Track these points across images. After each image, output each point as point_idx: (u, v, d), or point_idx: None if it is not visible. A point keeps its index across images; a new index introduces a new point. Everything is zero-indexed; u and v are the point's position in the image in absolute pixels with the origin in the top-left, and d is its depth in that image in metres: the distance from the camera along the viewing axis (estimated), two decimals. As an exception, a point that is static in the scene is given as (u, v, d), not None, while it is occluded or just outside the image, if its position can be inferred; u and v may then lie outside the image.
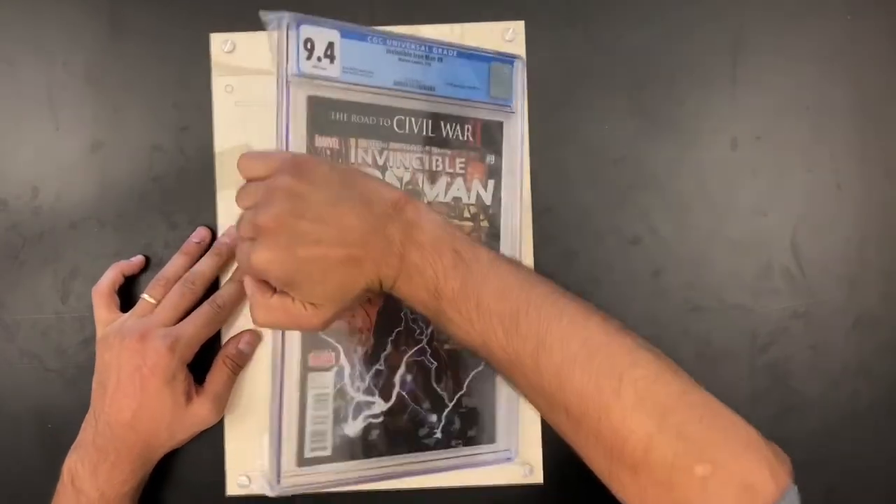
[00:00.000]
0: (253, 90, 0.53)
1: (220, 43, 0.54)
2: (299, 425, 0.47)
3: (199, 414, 0.49)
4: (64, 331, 0.54)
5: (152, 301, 0.50)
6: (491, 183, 0.51)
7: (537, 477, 0.54)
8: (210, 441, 0.53)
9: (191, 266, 0.51)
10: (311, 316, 0.40)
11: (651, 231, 0.55)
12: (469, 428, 0.51)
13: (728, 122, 0.55)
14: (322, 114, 0.47)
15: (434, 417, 0.50)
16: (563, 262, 0.55)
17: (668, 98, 0.55)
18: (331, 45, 0.46)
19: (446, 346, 0.50)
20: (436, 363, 0.50)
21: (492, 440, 0.52)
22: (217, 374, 0.50)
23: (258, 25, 0.52)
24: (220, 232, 0.53)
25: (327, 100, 0.47)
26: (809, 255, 0.55)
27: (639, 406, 0.35)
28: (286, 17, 0.45)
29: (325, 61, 0.46)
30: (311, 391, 0.47)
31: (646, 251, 0.55)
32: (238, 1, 0.54)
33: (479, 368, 0.51)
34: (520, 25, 0.54)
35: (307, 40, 0.46)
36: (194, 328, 0.48)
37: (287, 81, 0.46)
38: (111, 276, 0.52)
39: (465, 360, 0.51)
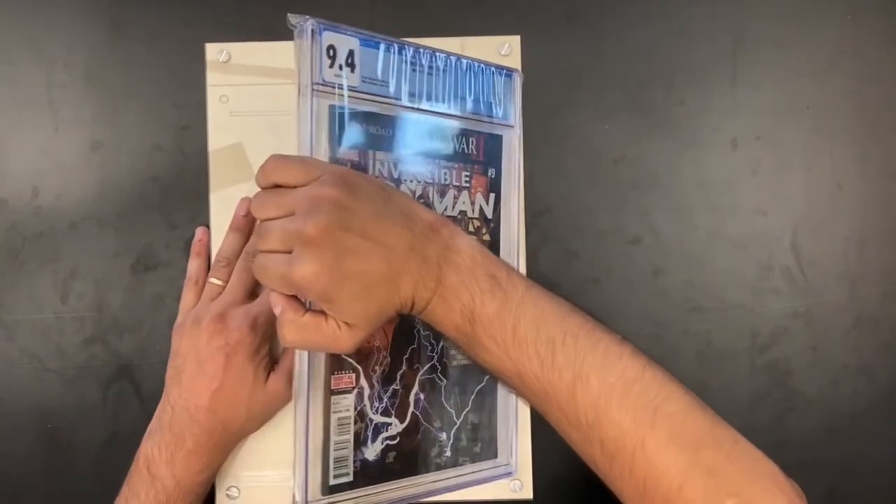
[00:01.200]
0: (248, 100, 0.53)
1: (214, 52, 0.54)
2: (324, 452, 0.45)
3: (276, 391, 0.49)
4: (64, 331, 0.54)
5: (219, 283, 0.50)
6: (492, 196, 0.51)
7: (527, 492, 0.53)
8: None
9: (245, 241, 0.51)
10: (344, 336, 0.38)
11: (651, 231, 0.55)
12: (474, 444, 0.51)
13: (728, 122, 0.55)
14: (342, 124, 0.45)
15: (444, 436, 0.49)
16: (563, 262, 0.55)
17: (668, 98, 0.55)
18: (351, 53, 0.44)
19: (454, 363, 0.50)
20: (445, 380, 0.49)
21: (493, 455, 0.51)
22: (291, 350, 0.50)
23: (253, 35, 0.53)
24: (213, 231, 0.53)
25: (349, 110, 0.45)
26: (809, 255, 0.55)
27: (673, 441, 0.35)
28: (311, 22, 0.43)
29: (347, 70, 0.44)
30: (335, 415, 0.45)
31: (646, 251, 0.55)
32: (233, 9, 0.55)
33: (482, 384, 0.51)
34: (515, 40, 0.54)
35: (330, 47, 0.44)
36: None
37: (312, 89, 0.43)
38: (199, 263, 0.52)
39: (471, 376, 0.50)
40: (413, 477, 0.48)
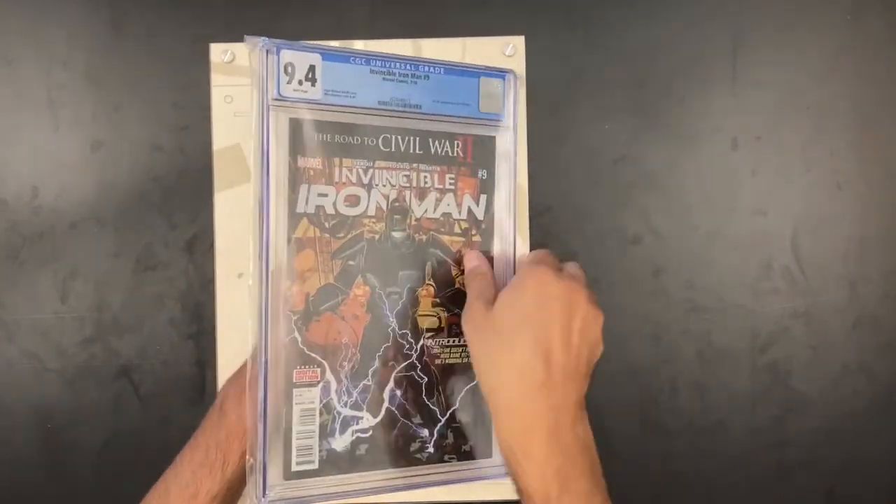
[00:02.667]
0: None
1: (219, 53, 0.54)
2: (285, 440, 0.47)
3: None
4: (64, 331, 0.54)
5: None
6: (483, 198, 0.51)
7: None
8: None
9: None
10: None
11: (651, 231, 0.55)
12: (463, 443, 0.51)
13: (728, 122, 0.55)
14: (304, 135, 0.48)
15: (425, 432, 0.50)
16: (562, 262, 0.55)
17: (668, 98, 0.55)
18: (312, 69, 0.48)
19: (437, 362, 0.50)
20: (426, 378, 0.50)
21: (487, 455, 0.51)
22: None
23: (241, 40, 0.53)
24: (216, 232, 0.53)
25: (310, 121, 0.48)
26: (809, 255, 0.55)
27: None
28: (265, 42, 0.46)
29: (307, 84, 0.48)
30: (297, 406, 0.48)
31: (646, 251, 0.55)
32: (238, 10, 0.55)
33: (473, 383, 0.50)
34: (520, 41, 0.54)
35: (287, 64, 0.47)
36: None
37: (267, 105, 0.47)
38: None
39: (459, 375, 0.51)
40: (387, 470, 0.49)
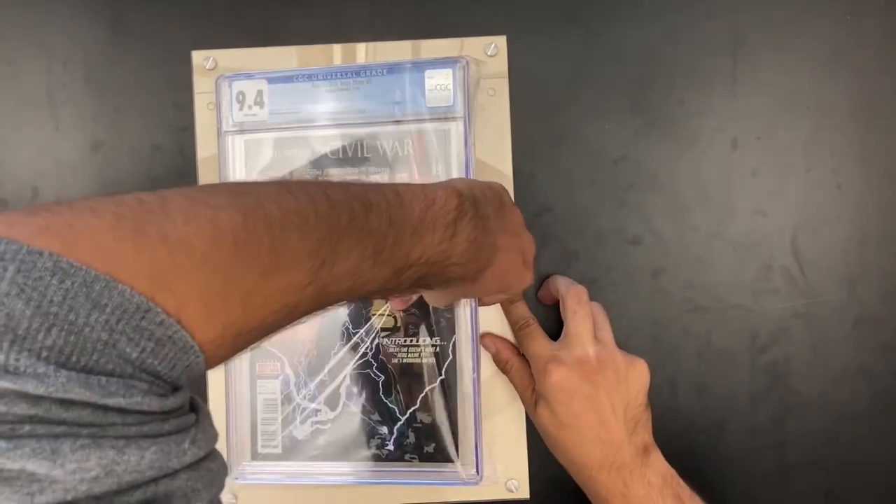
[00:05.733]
0: None
1: (201, 59, 0.54)
2: (251, 424, 0.52)
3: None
4: (64, 331, 0.54)
5: None
6: None
7: (524, 492, 0.53)
8: None
9: None
10: None
11: (651, 231, 0.55)
12: (426, 444, 0.51)
13: (728, 122, 0.55)
14: (259, 154, 0.52)
15: (385, 430, 0.51)
16: (563, 262, 0.55)
17: (668, 98, 0.55)
18: (260, 93, 0.51)
19: (394, 361, 0.51)
20: (383, 376, 0.52)
21: (450, 459, 0.51)
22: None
23: (253, 38, 0.54)
24: None
25: (261, 141, 0.52)
26: (809, 255, 0.55)
27: None
28: (220, 76, 0.51)
29: (256, 108, 0.52)
30: (260, 396, 0.52)
31: (646, 251, 0.55)
32: (238, 12, 0.54)
33: (434, 385, 0.51)
34: (501, 40, 0.54)
35: (239, 93, 0.52)
36: None
37: (225, 132, 0.52)
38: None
39: (418, 376, 0.51)
40: (347, 462, 0.52)
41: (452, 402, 0.51)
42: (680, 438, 0.54)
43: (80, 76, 0.55)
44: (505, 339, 0.53)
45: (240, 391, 0.52)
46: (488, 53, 0.54)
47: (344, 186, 0.33)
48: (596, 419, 0.46)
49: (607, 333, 0.50)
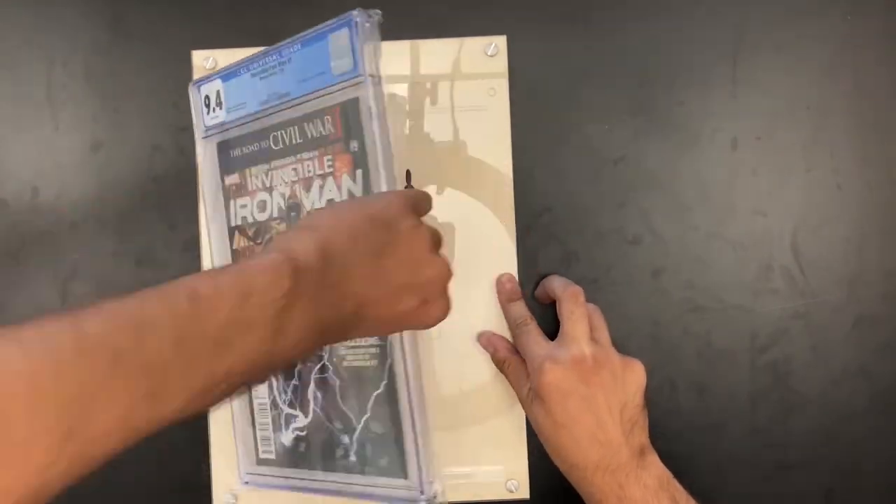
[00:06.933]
0: None
1: (201, 59, 0.54)
2: (252, 429, 0.51)
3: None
4: (64, 331, 0.54)
5: None
6: (359, 173, 0.44)
7: (523, 492, 0.53)
8: (196, 458, 0.53)
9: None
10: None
11: (651, 231, 0.55)
12: (381, 456, 0.46)
13: (728, 122, 0.55)
14: (226, 155, 0.51)
15: (346, 439, 0.47)
16: (563, 262, 0.55)
17: (668, 98, 0.55)
18: (218, 94, 0.50)
19: (344, 364, 0.47)
20: (339, 381, 0.47)
21: (402, 475, 0.45)
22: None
23: (253, 38, 0.53)
24: (202, 241, 0.52)
25: (225, 142, 0.51)
26: (809, 255, 0.55)
27: None
28: (192, 84, 0.51)
29: (218, 109, 0.50)
30: (256, 401, 0.51)
31: (646, 251, 0.55)
32: (238, 11, 0.54)
33: (379, 390, 0.45)
34: (501, 40, 0.54)
35: (206, 97, 0.50)
36: None
37: (201, 140, 0.51)
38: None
39: (366, 380, 0.46)
40: (321, 472, 0.49)
41: (395, 410, 0.45)
42: (680, 438, 0.54)
43: (80, 76, 0.55)
44: (503, 338, 0.53)
45: (241, 397, 0.51)
46: (488, 53, 0.54)
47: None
48: (592, 420, 0.46)
49: (604, 334, 0.50)
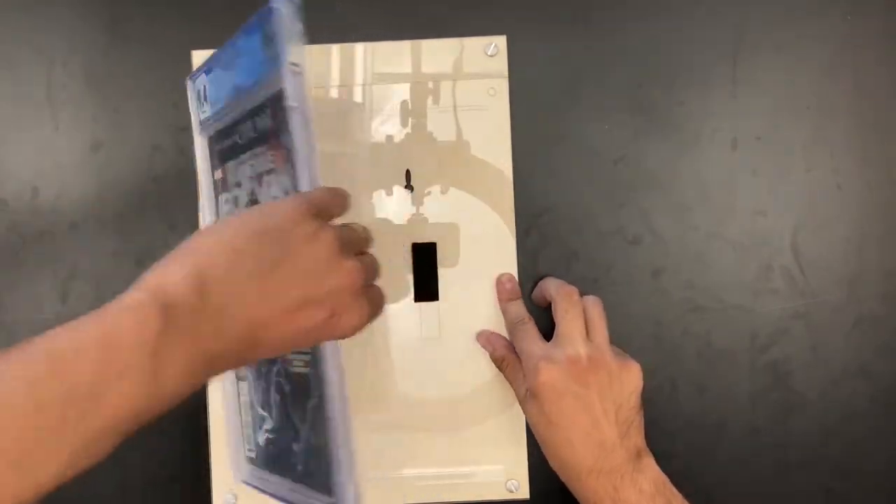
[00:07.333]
0: None
1: (201, 60, 0.53)
2: (242, 430, 0.50)
3: None
4: (64, 331, 0.54)
5: None
6: (289, 167, 0.40)
7: (524, 492, 0.53)
8: (195, 458, 0.53)
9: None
10: None
11: (651, 231, 0.55)
12: (316, 469, 0.42)
13: (728, 122, 0.55)
14: (213, 151, 0.49)
15: (296, 447, 0.43)
16: (563, 262, 0.55)
17: (668, 98, 0.55)
18: (205, 88, 0.48)
19: (291, 368, 0.43)
20: (289, 386, 0.43)
21: (327, 492, 0.41)
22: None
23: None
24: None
25: (213, 136, 0.49)
26: (809, 255, 0.55)
27: None
28: (188, 77, 0.49)
29: (205, 104, 0.48)
30: (241, 398, 0.50)
31: (646, 251, 0.55)
32: (237, 11, 0.54)
33: (314, 400, 0.41)
34: (501, 40, 0.54)
35: (198, 91, 0.49)
36: None
37: (197, 134, 0.50)
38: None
39: (305, 388, 0.41)
40: (280, 478, 0.46)
41: (321, 422, 0.40)
42: (680, 438, 0.54)
43: (80, 76, 0.55)
44: (501, 337, 0.53)
45: (230, 391, 0.50)
46: (488, 53, 0.54)
47: None
48: (586, 420, 0.45)
49: (602, 334, 0.49)
